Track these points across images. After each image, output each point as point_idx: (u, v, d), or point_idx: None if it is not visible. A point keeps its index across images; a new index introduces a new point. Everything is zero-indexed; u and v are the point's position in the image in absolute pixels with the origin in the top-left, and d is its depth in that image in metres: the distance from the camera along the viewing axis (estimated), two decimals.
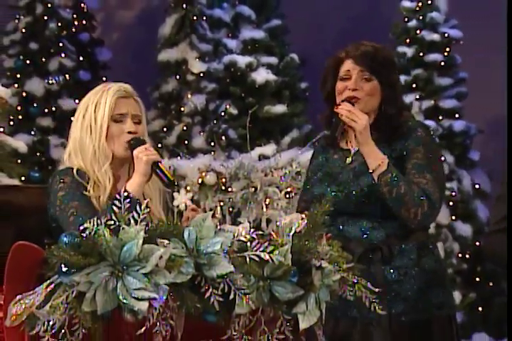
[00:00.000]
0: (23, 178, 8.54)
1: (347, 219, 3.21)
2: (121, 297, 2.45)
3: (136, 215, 2.51)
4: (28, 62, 10.44)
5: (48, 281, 2.47)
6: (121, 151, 3.24)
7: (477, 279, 9.59)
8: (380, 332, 3.24)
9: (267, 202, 5.81)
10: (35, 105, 10.35)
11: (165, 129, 10.37)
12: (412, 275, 3.32)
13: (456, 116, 9.88)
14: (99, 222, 2.50)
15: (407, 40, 10.03)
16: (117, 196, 2.88)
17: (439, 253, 3.46)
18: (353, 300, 2.77)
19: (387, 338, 3.24)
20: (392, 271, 3.29)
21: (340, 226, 3.28)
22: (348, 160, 3.44)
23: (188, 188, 7.79)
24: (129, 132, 3.23)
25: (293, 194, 7.07)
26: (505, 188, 3.13)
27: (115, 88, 3.29)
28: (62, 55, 10.53)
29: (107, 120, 3.25)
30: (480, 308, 9.54)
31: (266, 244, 2.65)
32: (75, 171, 3.24)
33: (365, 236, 3.31)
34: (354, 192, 3.35)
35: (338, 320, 3.07)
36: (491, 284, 9.67)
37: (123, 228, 2.50)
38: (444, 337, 3.32)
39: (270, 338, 2.65)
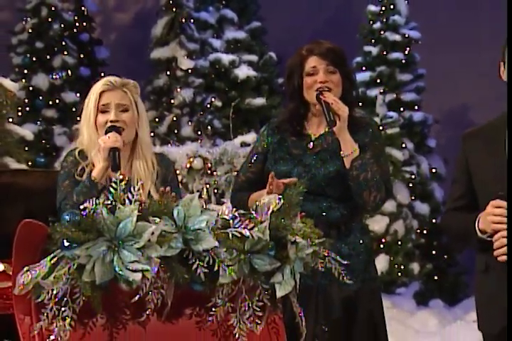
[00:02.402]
0: (29, 163, 8.52)
1: (306, 198, 3.20)
2: (117, 269, 2.44)
3: (130, 196, 2.50)
4: (34, 59, 10.40)
5: (52, 255, 2.46)
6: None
7: (433, 252, 9.65)
8: (330, 299, 3.28)
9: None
10: (40, 98, 10.31)
11: (157, 119, 10.36)
12: (358, 250, 3.35)
13: (416, 107, 9.91)
14: (97, 201, 2.49)
15: (372, 40, 10.04)
16: (86, 182, 3.09)
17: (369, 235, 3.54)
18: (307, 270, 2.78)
19: (336, 303, 3.28)
20: (343, 246, 3.31)
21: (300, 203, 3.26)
22: (311, 144, 3.42)
23: (178, 172, 7.77)
24: (111, 121, 3.21)
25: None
26: (460, 173, 3.13)
27: (102, 82, 3.28)
28: (65, 53, 10.50)
29: (94, 111, 3.24)
30: (436, 277, 9.60)
31: (247, 221, 2.64)
32: (76, 152, 3.25)
33: (323, 214, 3.32)
34: (321, 175, 3.35)
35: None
36: (445, 256, 9.73)
37: (119, 207, 2.50)
38: (378, 304, 3.38)
39: (250, 305, 2.65)
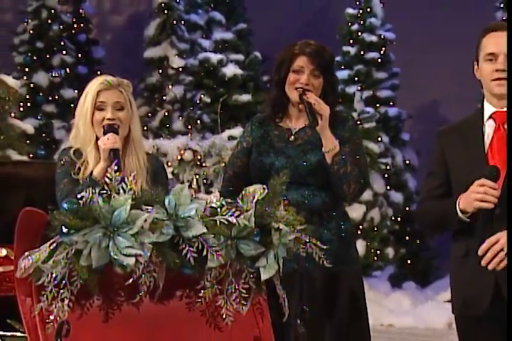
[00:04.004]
0: (30, 155, 8.49)
1: (289, 187, 3.20)
2: (112, 253, 2.43)
3: (124, 186, 2.49)
4: (34, 58, 10.36)
5: (51, 240, 2.44)
6: (102, 135, 3.19)
7: (407, 238, 9.68)
8: (314, 280, 3.28)
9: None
10: (40, 94, 10.28)
11: (150, 115, 10.35)
12: (340, 235, 3.35)
13: (391, 104, 9.92)
14: (93, 191, 2.48)
15: (350, 41, 10.04)
16: (88, 181, 3.04)
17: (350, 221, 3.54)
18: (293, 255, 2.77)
19: (319, 285, 3.29)
20: (325, 231, 3.31)
21: (284, 192, 3.26)
22: (292, 137, 3.43)
23: (169, 163, 7.76)
24: (108, 119, 3.19)
25: None
26: (436, 166, 3.13)
27: (99, 81, 3.22)
28: (64, 52, 10.46)
29: (91, 108, 3.20)
30: (409, 261, 9.63)
31: (233, 209, 2.64)
32: (71, 151, 3.22)
33: (306, 201, 3.32)
34: (303, 166, 3.35)
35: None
36: (418, 242, 9.76)
37: (114, 196, 2.49)
38: (359, 284, 3.39)
39: (237, 287, 2.65)
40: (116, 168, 2.58)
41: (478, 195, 2.83)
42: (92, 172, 3.11)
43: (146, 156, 3.27)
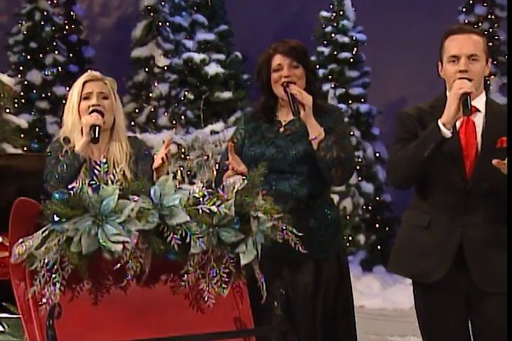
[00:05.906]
0: (25, 148, 8.44)
1: (279, 177, 3.17)
2: (101, 240, 2.42)
3: (112, 177, 2.49)
4: (28, 57, 10.29)
5: (44, 228, 2.44)
6: None
7: (377, 225, 9.71)
8: (300, 268, 3.27)
9: (216, 167, 5.80)
10: (34, 91, 10.21)
11: (137, 110, 10.31)
12: (326, 223, 3.32)
13: (362, 100, 9.93)
14: (83, 182, 2.47)
15: (324, 42, 10.04)
16: (70, 154, 3.13)
17: (336, 208, 3.51)
18: (280, 243, 2.76)
19: (305, 271, 3.28)
20: (312, 220, 3.28)
21: (273, 183, 3.25)
22: (282, 129, 3.41)
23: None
24: (93, 105, 3.22)
25: None
26: (406, 134, 3.13)
27: (85, 75, 3.30)
28: (56, 52, 10.40)
29: (78, 97, 3.24)
30: (379, 247, 9.67)
31: (215, 199, 2.64)
32: (61, 138, 3.26)
33: (294, 192, 3.30)
34: (292, 154, 3.32)
35: (265, 259, 3.03)
36: (387, 229, 9.79)
37: (102, 187, 2.48)
38: (346, 266, 3.39)
39: (218, 272, 2.65)
40: (104, 160, 2.58)
41: (458, 85, 2.91)
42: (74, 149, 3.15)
43: (128, 142, 3.31)
